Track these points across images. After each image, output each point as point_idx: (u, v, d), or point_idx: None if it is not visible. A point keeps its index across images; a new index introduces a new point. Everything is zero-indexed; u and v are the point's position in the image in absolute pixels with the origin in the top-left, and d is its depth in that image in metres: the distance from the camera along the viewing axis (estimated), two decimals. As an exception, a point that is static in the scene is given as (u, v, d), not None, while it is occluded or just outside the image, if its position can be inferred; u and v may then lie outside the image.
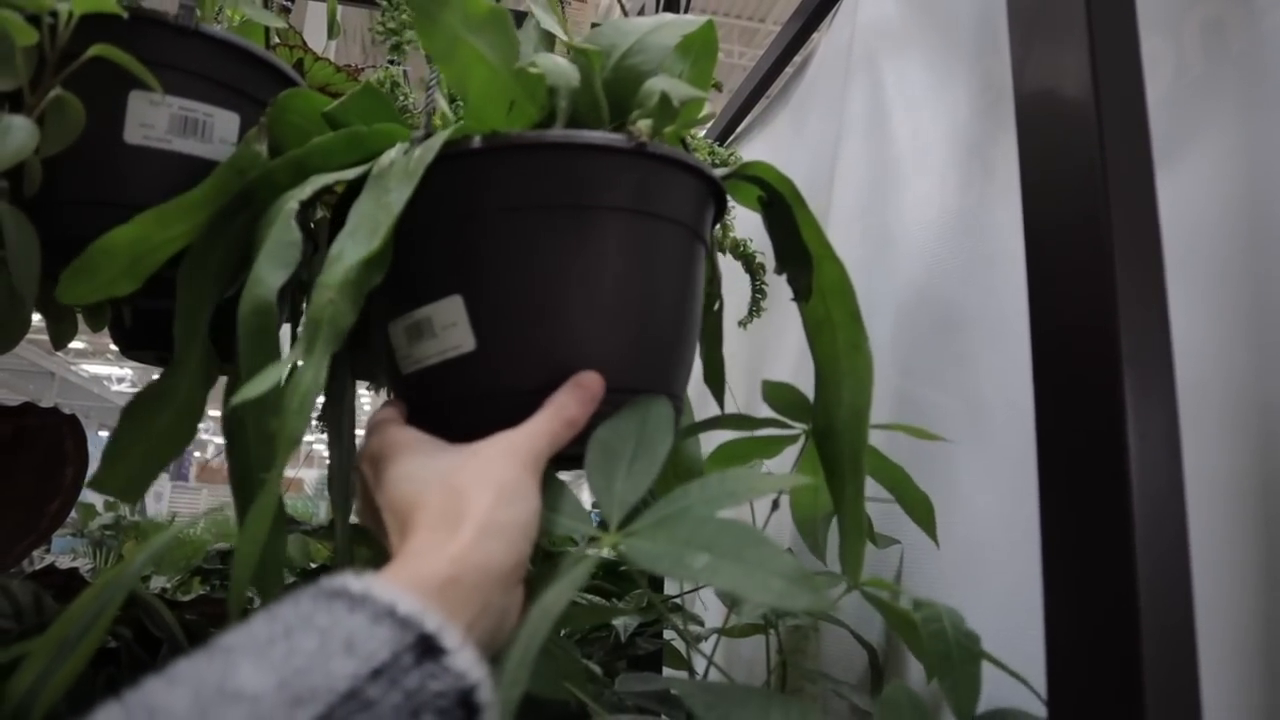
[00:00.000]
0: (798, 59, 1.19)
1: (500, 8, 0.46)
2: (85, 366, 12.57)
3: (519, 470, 0.40)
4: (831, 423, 0.56)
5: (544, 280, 0.46)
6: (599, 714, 0.49)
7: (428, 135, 0.47)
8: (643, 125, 0.48)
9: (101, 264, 0.46)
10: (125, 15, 0.49)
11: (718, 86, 1.02)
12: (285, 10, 0.99)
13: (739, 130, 1.34)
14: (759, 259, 0.91)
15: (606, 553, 0.39)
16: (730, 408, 0.68)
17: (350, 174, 0.48)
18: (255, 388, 0.39)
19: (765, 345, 1.14)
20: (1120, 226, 0.40)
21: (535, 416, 0.44)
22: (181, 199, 0.47)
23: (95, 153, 0.50)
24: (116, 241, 0.46)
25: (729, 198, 0.63)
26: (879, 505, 0.75)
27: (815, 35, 1.14)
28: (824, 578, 0.68)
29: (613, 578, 0.94)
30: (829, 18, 1.09)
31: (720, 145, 1.35)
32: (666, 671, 0.89)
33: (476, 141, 0.46)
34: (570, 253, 0.47)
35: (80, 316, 0.64)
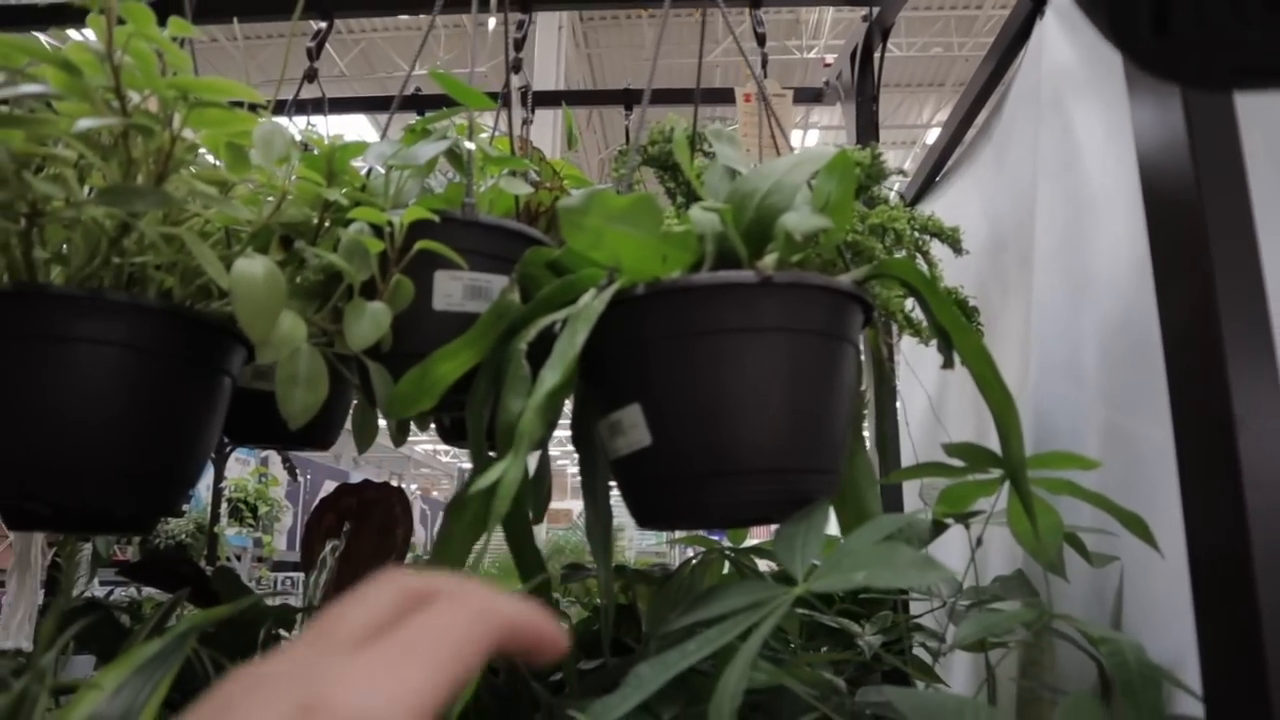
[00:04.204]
0: (997, 91, 1.24)
1: (644, 194, 0.59)
2: (420, 446, 16.98)
3: None
4: (1011, 468, 0.64)
5: (701, 389, 0.59)
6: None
7: (609, 284, 0.62)
8: (768, 261, 0.59)
9: (407, 391, 0.65)
10: (438, 220, 0.67)
11: (903, 173, 1.12)
12: (526, 124, 1.17)
13: (947, 167, 1.39)
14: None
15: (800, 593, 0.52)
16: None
17: (562, 314, 0.62)
18: (485, 480, 0.55)
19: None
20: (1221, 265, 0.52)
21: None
22: (458, 341, 0.64)
23: (415, 318, 0.69)
24: (414, 374, 0.64)
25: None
26: (1095, 532, 0.80)
27: (1010, 70, 1.19)
28: (1031, 608, 0.75)
29: (860, 603, 1.04)
30: (1018, 59, 1.14)
31: (933, 178, 1.42)
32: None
33: (640, 289, 0.61)
34: (720, 367, 0.59)
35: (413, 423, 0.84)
